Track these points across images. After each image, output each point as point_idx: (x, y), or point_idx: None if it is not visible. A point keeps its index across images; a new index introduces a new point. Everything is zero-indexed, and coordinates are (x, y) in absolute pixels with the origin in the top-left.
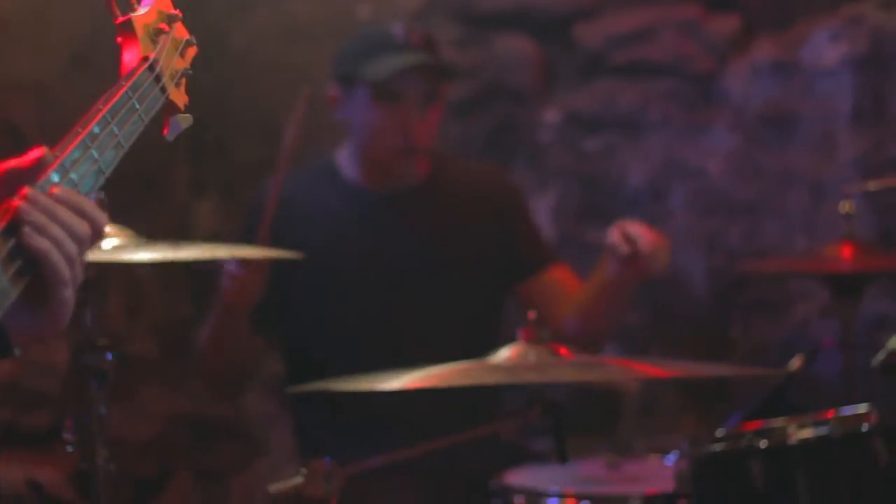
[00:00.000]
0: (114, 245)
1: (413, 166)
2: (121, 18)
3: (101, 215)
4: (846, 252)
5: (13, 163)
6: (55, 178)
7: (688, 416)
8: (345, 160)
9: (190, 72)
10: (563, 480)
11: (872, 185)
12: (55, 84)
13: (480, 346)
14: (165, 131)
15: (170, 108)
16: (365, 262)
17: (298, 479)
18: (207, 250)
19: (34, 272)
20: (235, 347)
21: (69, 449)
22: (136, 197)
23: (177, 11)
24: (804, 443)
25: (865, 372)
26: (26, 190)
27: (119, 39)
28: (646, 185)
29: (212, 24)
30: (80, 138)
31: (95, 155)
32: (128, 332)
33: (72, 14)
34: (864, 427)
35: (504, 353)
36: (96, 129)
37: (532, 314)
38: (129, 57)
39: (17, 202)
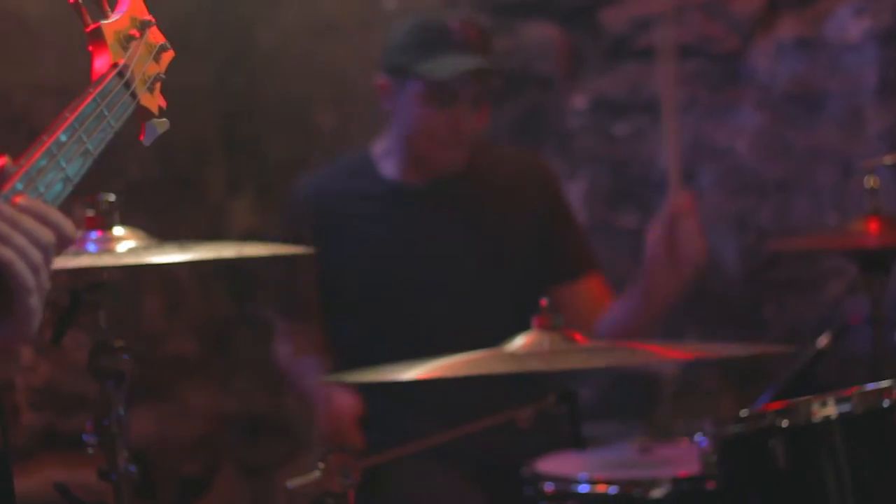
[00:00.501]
0: (128, 248)
1: (457, 161)
2: (90, 26)
3: (66, 223)
4: (872, 227)
5: None
6: (19, 186)
7: (725, 398)
8: (382, 153)
9: (163, 76)
10: (593, 466)
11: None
12: (79, 88)
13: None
14: (142, 136)
15: (143, 113)
16: (402, 255)
17: (316, 474)
18: (212, 250)
19: None
20: None
21: (90, 451)
22: (171, 197)
23: (149, 17)
24: (826, 420)
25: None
26: None
27: (90, 47)
28: None
29: (241, 23)
30: (45, 146)
31: (62, 163)
32: (168, 332)
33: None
34: (886, 403)
35: (518, 342)
36: (63, 138)
37: (545, 301)
38: (100, 64)
39: None
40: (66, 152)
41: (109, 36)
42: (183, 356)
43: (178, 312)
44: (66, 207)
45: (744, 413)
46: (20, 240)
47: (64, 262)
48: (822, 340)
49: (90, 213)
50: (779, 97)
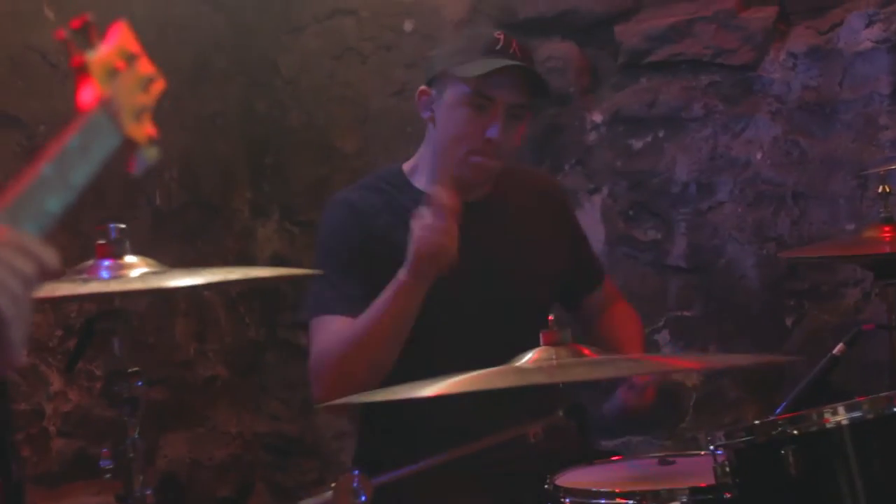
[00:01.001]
0: (140, 274)
1: (487, 173)
2: (76, 60)
3: (47, 254)
4: (886, 234)
5: None
6: (1, 219)
7: (749, 408)
8: (415, 170)
9: (150, 107)
10: (612, 480)
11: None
12: None
13: None
14: (131, 168)
15: (131, 145)
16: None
17: (328, 494)
18: (221, 274)
19: None
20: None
21: (107, 477)
22: (198, 224)
23: (138, 49)
24: (837, 428)
25: None
26: None
27: (77, 80)
28: (693, 179)
29: (262, 50)
30: (29, 179)
31: (46, 196)
32: (198, 356)
33: None
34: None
35: (526, 356)
36: (47, 171)
37: (552, 316)
38: (86, 96)
39: None
40: (49, 185)
41: (96, 68)
42: (213, 380)
43: (208, 337)
44: (67, 237)
45: (755, 422)
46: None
47: (74, 288)
48: (839, 348)
49: (101, 241)
50: (793, 107)
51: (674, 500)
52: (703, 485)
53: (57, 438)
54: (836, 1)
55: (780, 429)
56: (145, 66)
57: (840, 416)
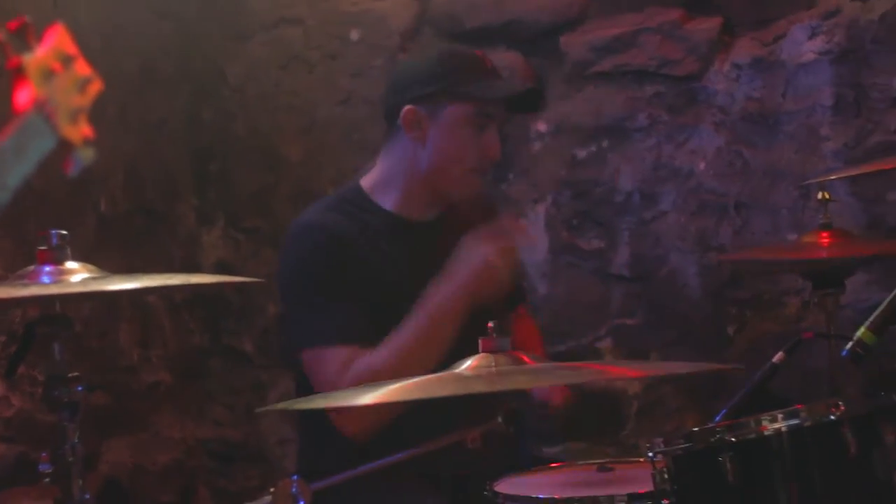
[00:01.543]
0: (82, 278)
1: (475, 188)
2: (12, 62)
3: None
4: (823, 239)
5: None
6: None
7: (690, 415)
8: (377, 188)
9: (86, 108)
10: (551, 486)
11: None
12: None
13: None
14: (67, 168)
15: (67, 146)
16: (406, 290)
17: (267, 499)
18: (161, 279)
19: None
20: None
21: (46, 481)
22: (143, 230)
23: (74, 51)
24: (775, 435)
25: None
26: None
27: (12, 81)
28: (637, 189)
29: (209, 58)
30: None
31: None
32: (141, 362)
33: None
34: (832, 417)
35: (466, 363)
36: None
37: (491, 324)
38: (22, 98)
39: None
40: None
41: (32, 70)
42: (157, 385)
43: (152, 343)
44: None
45: (694, 430)
46: None
47: (14, 292)
48: (778, 356)
49: (43, 247)
50: (737, 118)
51: None
52: (641, 491)
53: None
54: (780, 13)
55: (718, 436)
56: (82, 68)
57: (778, 423)
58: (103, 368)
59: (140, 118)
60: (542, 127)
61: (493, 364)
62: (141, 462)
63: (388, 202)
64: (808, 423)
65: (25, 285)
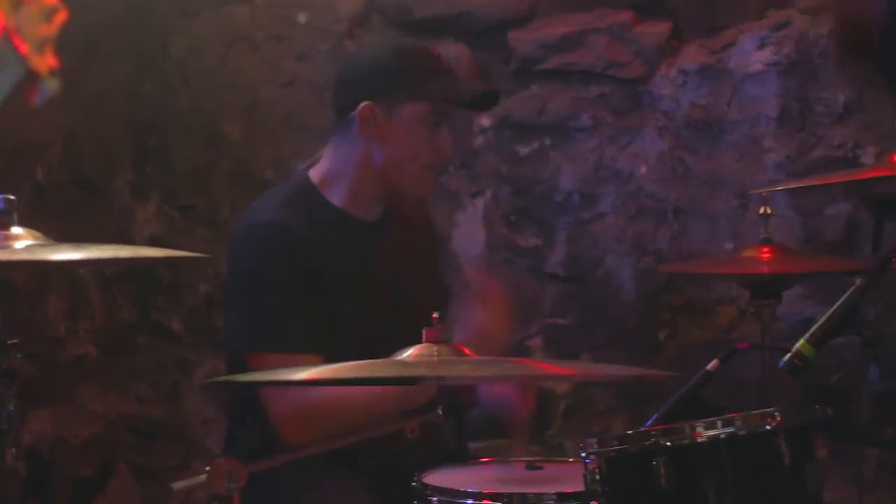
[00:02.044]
0: (26, 246)
1: (430, 187)
2: None
3: None
4: (764, 254)
5: None
6: None
7: (618, 418)
8: (326, 183)
9: (53, 38)
10: (480, 481)
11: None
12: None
13: None
14: (33, 98)
15: (33, 76)
16: (353, 290)
17: (202, 478)
18: (111, 251)
19: None
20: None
21: None
22: (78, 202)
23: None
24: (710, 442)
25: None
26: None
27: None
28: (577, 189)
29: (153, 32)
30: None
31: None
32: (69, 334)
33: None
34: (768, 427)
35: (408, 351)
36: None
37: (435, 315)
38: None
39: None
40: None
41: None
42: (83, 358)
43: (80, 315)
44: None
45: (629, 432)
46: None
47: None
48: (712, 364)
49: None
50: (681, 124)
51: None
52: (570, 490)
53: None
54: (730, 21)
55: (653, 440)
56: None
57: (713, 430)
58: (30, 339)
59: (81, 89)
60: (485, 121)
61: (436, 353)
62: (62, 434)
63: (336, 197)
64: (742, 432)
65: None
